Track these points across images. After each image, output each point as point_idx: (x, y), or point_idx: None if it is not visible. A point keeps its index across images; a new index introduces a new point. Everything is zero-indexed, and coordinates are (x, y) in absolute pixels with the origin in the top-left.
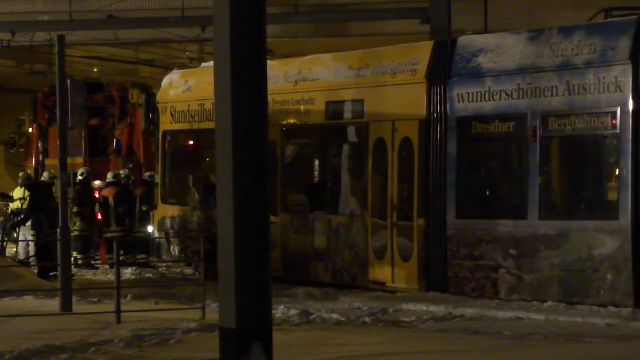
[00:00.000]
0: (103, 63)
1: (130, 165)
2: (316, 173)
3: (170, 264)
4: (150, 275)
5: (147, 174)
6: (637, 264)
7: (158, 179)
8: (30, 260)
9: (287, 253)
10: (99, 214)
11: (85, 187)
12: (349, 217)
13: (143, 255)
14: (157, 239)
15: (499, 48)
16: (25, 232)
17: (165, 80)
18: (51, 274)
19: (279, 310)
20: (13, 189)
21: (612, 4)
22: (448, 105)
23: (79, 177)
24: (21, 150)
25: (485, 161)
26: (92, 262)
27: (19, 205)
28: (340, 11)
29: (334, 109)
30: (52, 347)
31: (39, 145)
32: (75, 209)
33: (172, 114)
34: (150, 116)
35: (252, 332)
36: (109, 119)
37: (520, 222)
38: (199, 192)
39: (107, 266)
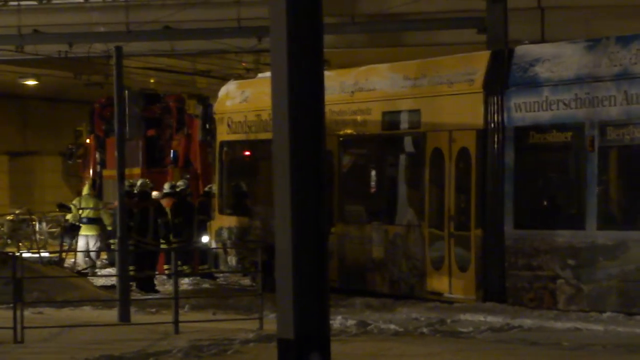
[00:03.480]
0: (160, 74)
1: (188, 176)
2: (373, 183)
3: (227, 274)
4: (207, 286)
5: (207, 186)
6: None
7: (215, 189)
8: (88, 271)
9: (345, 263)
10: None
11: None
12: (406, 227)
13: (205, 266)
14: (214, 250)
15: (556, 58)
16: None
17: (222, 91)
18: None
19: (336, 321)
20: (72, 200)
21: None
22: (505, 115)
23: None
24: (79, 161)
25: (543, 171)
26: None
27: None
28: (397, 21)
29: (390, 119)
30: (111, 357)
31: (97, 156)
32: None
33: (229, 125)
34: (207, 127)
35: (310, 342)
36: (166, 129)
37: (579, 232)
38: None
39: (165, 277)
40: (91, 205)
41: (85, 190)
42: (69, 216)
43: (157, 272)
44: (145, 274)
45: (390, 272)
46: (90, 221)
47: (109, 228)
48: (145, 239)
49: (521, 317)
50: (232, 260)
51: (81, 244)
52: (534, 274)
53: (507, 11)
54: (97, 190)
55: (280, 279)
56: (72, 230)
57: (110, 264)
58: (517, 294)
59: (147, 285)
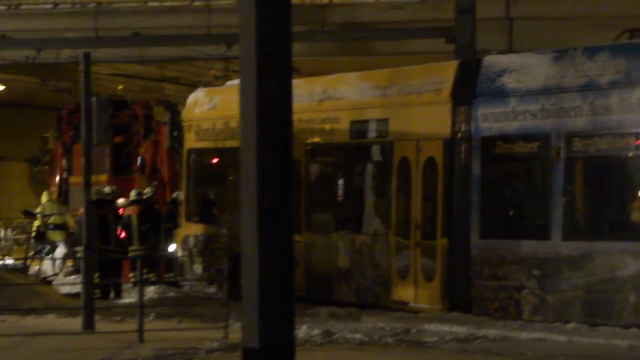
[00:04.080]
0: (128, 80)
1: (155, 184)
2: (340, 192)
3: (193, 283)
4: (173, 294)
5: (174, 194)
6: None
7: (182, 197)
8: (53, 278)
9: (311, 272)
10: (122, 233)
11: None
12: (372, 236)
13: (171, 274)
14: (180, 258)
15: (523, 68)
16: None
17: (190, 98)
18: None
19: (301, 330)
20: (36, 207)
21: (637, 25)
22: (473, 125)
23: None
24: (45, 167)
25: (509, 181)
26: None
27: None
28: (366, 30)
29: (358, 128)
30: None
31: (64, 162)
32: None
33: (197, 132)
34: (175, 134)
35: (275, 351)
36: (133, 136)
37: (544, 242)
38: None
39: (130, 285)
40: (55, 211)
41: (44, 197)
42: (36, 224)
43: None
44: (108, 281)
45: (356, 281)
46: (57, 227)
47: (72, 231)
48: (109, 247)
49: (486, 327)
50: (198, 268)
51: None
52: (500, 284)
53: (475, 21)
54: (64, 197)
55: (246, 288)
56: (42, 238)
57: (76, 271)
58: (483, 304)
59: (116, 291)
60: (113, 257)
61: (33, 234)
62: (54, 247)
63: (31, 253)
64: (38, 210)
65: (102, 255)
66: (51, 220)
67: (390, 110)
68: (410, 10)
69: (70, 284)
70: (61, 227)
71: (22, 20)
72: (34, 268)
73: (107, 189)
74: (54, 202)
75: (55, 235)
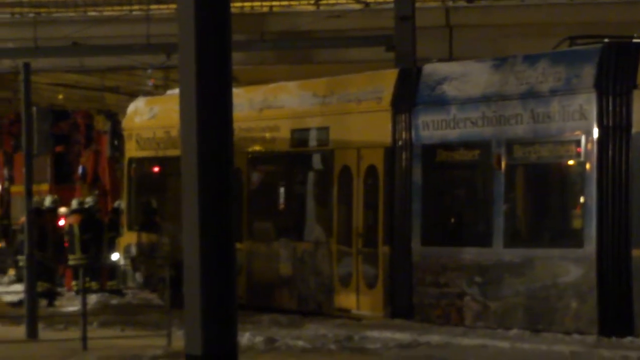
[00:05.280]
0: (68, 90)
1: (96, 192)
2: (282, 200)
3: (136, 291)
4: (116, 302)
5: (116, 202)
6: (601, 292)
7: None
8: None
9: (253, 280)
10: (65, 242)
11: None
12: (314, 244)
13: (114, 282)
14: (122, 267)
15: (463, 76)
16: None
17: (131, 108)
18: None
19: (244, 337)
20: None
21: (577, 33)
22: (413, 133)
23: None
24: None
25: (450, 189)
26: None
27: None
28: (306, 39)
29: (299, 136)
30: None
31: (5, 172)
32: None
33: (137, 141)
34: (116, 143)
35: (218, 359)
36: (74, 146)
37: (485, 249)
38: (141, 217)
39: (73, 293)
40: None
41: None
42: None
43: (60, 287)
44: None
45: (299, 289)
46: None
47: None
48: (47, 254)
49: (429, 334)
50: (140, 276)
51: None
52: (442, 291)
53: (415, 29)
54: (5, 206)
55: (188, 295)
56: None
57: (18, 279)
58: (425, 310)
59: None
60: (49, 265)
61: None
62: None
63: None
64: None
65: (40, 263)
66: None
67: (331, 119)
68: (349, 19)
69: (13, 293)
70: None
71: None
72: None
73: (49, 199)
74: None
75: None
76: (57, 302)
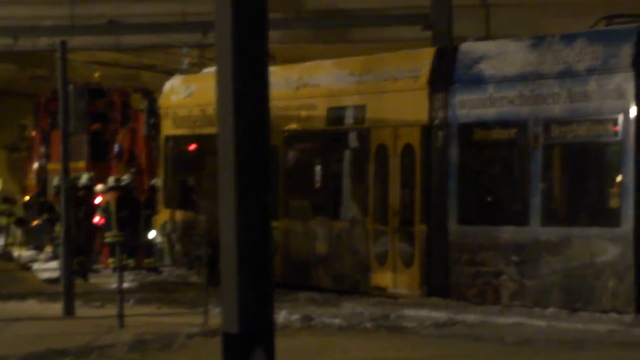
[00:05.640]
0: (105, 68)
1: (133, 170)
2: (318, 179)
3: (173, 268)
4: (152, 279)
5: (153, 180)
6: (638, 271)
7: (160, 184)
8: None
9: (289, 258)
10: (101, 219)
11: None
12: (350, 222)
13: (150, 260)
14: (159, 244)
15: (500, 55)
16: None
17: (167, 86)
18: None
19: (280, 316)
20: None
21: (614, 12)
22: (450, 111)
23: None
24: (23, 154)
25: (487, 167)
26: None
27: None
28: (343, 17)
29: (335, 115)
30: (55, 351)
31: (42, 149)
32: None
33: (173, 120)
34: (152, 121)
35: (254, 337)
36: (110, 124)
37: (522, 228)
38: (177, 195)
39: (110, 270)
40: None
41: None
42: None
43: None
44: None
45: (335, 267)
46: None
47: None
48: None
49: (465, 313)
50: (177, 254)
51: None
52: (478, 270)
53: (452, 8)
54: (42, 184)
55: (225, 273)
56: (21, 224)
57: (55, 257)
58: (461, 289)
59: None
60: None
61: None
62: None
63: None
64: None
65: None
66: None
67: (367, 97)
68: None
69: (50, 270)
70: (6, 213)
71: None
72: (14, 253)
73: (85, 176)
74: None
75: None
76: (92, 279)
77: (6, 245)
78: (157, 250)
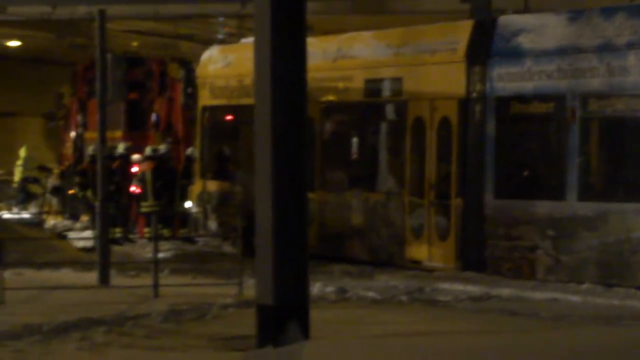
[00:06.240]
0: (143, 37)
1: (169, 140)
2: (354, 151)
3: (208, 239)
4: (188, 250)
5: (189, 149)
6: None
7: (197, 153)
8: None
9: (324, 230)
10: (137, 188)
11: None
12: (386, 195)
13: (186, 230)
14: (194, 214)
15: (539, 28)
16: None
17: (205, 56)
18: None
19: (315, 288)
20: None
21: None
22: (487, 85)
23: (121, 152)
24: (60, 123)
25: (524, 141)
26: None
27: None
28: None
29: (372, 87)
30: (90, 320)
31: (79, 118)
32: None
33: (211, 90)
34: (189, 91)
35: (289, 309)
36: (148, 93)
37: (559, 203)
38: (214, 165)
39: (145, 240)
40: (34, 166)
41: (23, 152)
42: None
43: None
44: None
45: (370, 240)
46: (35, 180)
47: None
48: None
49: (500, 287)
50: (212, 224)
51: None
52: (514, 244)
53: None
54: (79, 153)
55: (260, 246)
56: (57, 192)
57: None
58: (496, 263)
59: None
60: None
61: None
62: (28, 197)
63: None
64: (18, 163)
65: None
66: (29, 173)
67: (404, 69)
68: None
69: (85, 239)
70: (37, 181)
71: None
72: (49, 222)
73: (122, 145)
74: (32, 157)
75: (33, 188)
76: (127, 248)
77: (40, 213)
78: (192, 221)
